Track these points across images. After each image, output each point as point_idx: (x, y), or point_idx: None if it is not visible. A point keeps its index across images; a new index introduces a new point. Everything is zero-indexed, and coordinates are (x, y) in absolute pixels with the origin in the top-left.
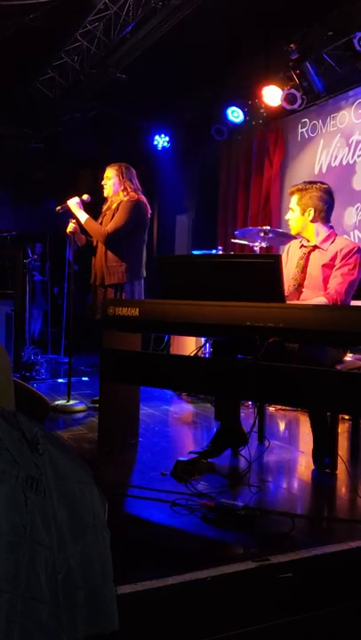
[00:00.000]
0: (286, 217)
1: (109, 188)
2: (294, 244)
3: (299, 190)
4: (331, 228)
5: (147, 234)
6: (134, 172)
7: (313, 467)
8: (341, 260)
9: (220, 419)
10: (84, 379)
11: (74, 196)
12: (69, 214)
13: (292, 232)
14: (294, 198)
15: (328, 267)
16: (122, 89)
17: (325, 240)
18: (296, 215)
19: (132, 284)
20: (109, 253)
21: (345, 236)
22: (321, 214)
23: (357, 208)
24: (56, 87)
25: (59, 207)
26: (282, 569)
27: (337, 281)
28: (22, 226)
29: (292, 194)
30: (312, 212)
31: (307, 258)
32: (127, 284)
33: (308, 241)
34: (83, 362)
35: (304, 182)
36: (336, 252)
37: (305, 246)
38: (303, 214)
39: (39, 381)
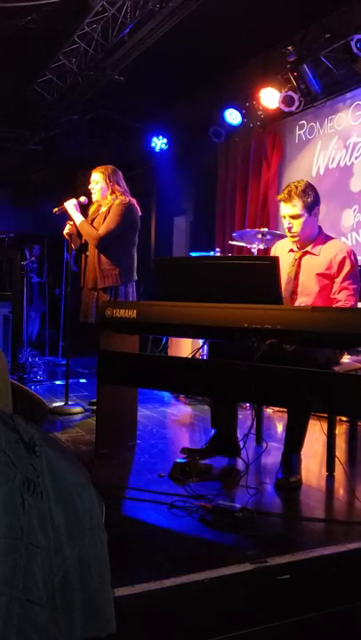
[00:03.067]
0: (294, 230)
1: (98, 193)
2: (280, 246)
3: (302, 193)
4: (319, 228)
5: (137, 236)
6: (120, 174)
7: (279, 476)
8: (338, 268)
9: (215, 426)
10: (82, 381)
11: (71, 197)
12: (67, 216)
13: (296, 239)
14: (299, 203)
15: (323, 276)
16: (120, 91)
17: (316, 244)
18: (303, 218)
19: (125, 287)
20: (103, 257)
21: (342, 239)
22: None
23: (355, 210)
24: (54, 89)
25: (56, 209)
26: (279, 571)
27: (347, 293)
28: (20, 227)
29: (289, 199)
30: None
31: (298, 264)
32: (121, 286)
33: (299, 246)
34: (80, 364)
35: (292, 186)
36: (330, 261)
37: (294, 251)
38: (311, 214)
39: (37, 383)
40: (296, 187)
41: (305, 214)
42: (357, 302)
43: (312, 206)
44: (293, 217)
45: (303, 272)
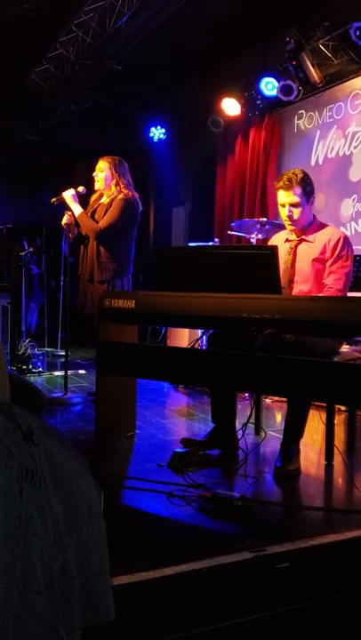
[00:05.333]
0: (295, 218)
1: (101, 181)
2: (277, 239)
3: (302, 180)
4: (313, 215)
5: (136, 230)
6: (127, 166)
7: (278, 464)
8: (331, 252)
9: (215, 421)
10: (81, 372)
11: (69, 187)
12: (65, 206)
13: (298, 226)
14: (299, 190)
15: (318, 260)
16: (118, 80)
17: (311, 231)
18: (303, 206)
19: (121, 280)
20: (102, 250)
21: (341, 229)
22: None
23: (354, 199)
24: (51, 79)
25: (54, 199)
26: (278, 559)
27: (334, 277)
28: (19, 218)
29: (290, 187)
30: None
31: (294, 252)
32: (117, 279)
33: (294, 234)
34: (79, 355)
35: (290, 174)
36: (324, 245)
37: (290, 240)
38: (308, 202)
39: (36, 374)
40: (296, 174)
41: (305, 202)
42: (346, 287)
43: (310, 194)
44: (294, 205)
45: (299, 259)
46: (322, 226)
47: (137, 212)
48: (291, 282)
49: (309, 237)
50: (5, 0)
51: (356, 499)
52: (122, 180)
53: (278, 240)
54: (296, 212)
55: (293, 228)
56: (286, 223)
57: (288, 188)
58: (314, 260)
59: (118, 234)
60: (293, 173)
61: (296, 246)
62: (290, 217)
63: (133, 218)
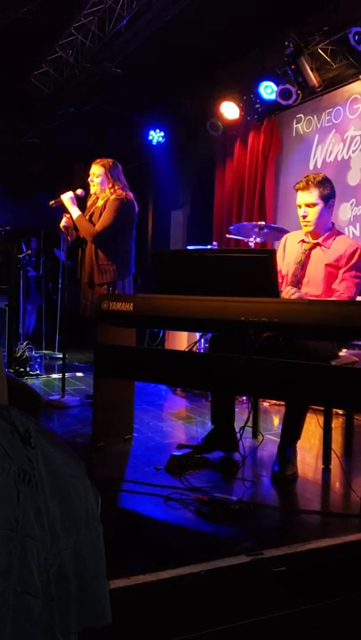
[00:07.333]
0: (309, 218)
1: (96, 186)
2: (291, 237)
3: (319, 183)
4: (332, 223)
5: (135, 229)
6: (120, 167)
7: (275, 468)
8: (347, 261)
9: (215, 422)
10: (79, 374)
11: (68, 190)
12: (63, 209)
13: (310, 228)
14: (315, 192)
15: (332, 267)
16: (117, 83)
17: (328, 237)
18: (318, 208)
19: (122, 282)
20: (100, 252)
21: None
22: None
23: (352, 203)
24: (51, 81)
25: (52, 202)
26: (275, 563)
27: (346, 284)
28: (17, 221)
29: (307, 188)
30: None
31: (308, 255)
32: (118, 281)
33: (310, 236)
34: (77, 357)
35: (310, 176)
36: (340, 254)
37: (305, 242)
38: (326, 205)
39: (33, 377)
40: (314, 177)
41: (321, 204)
42: (356, 295)
43: (328, 197)
44: (309, 205)
45: (312, 263)
46: (339, 234)
47: (133, 212)
48: (299, 282)
49: (326, 243)
50: (6, 2)
51: (354, 503)
52: (117, 183)
53: (292, 239)
54: (310, 213)
55: (309, 229)
56: (302, 223)
57: (304, 188)
58: (327, 265)
59: (115, 235)
60: (313, 176)
61: (311, 249)
62: (304, 216)
63: (129, 218)
